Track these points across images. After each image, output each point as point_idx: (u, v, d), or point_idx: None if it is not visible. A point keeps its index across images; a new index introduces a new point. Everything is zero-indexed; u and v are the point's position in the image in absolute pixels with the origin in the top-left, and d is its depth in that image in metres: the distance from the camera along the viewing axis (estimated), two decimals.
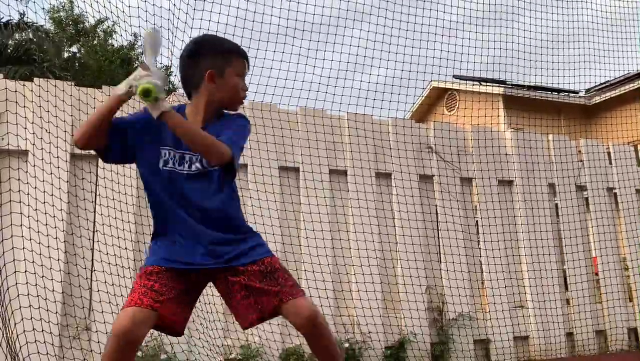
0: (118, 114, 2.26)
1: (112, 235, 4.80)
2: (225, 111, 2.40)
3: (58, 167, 4.74)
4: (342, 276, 5.54)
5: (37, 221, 4.55)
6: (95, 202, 4.89)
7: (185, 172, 2.27)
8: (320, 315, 2.28)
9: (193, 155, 2.26)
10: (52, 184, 4.67)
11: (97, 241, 4.80)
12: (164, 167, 2.27)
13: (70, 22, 19.17)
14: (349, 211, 5.73)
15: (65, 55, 18.40)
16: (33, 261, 4.46)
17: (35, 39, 14.61)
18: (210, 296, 4.65)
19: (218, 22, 5.19)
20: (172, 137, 2.24)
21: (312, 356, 5.14)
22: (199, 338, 4.90)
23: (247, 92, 2.42)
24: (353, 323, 5.44)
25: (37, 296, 4.39)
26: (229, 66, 2.32)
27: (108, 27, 19.06)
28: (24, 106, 4.74)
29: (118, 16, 5.16)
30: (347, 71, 5.80)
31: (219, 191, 2.29)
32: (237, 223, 2.34)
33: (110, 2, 4.83)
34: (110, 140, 2.25)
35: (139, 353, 4.69)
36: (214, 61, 2.30)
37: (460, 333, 5.76)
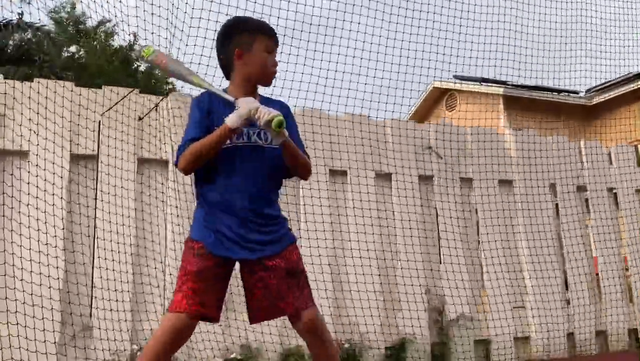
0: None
1: (112, 235, 4.79)
2: (276, 99, 2.54)
3: (58, 168, 4.74)
4: (342, 276, 5.54)
5: (37, 220, 4.55)
6: (95, 202, 4.89)
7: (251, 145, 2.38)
8: (323, 322, 2.40)
9: (250, 129, 2.37)
10: (52, 184, 4.67)
11: (97, 239, 4.79)
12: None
13: (71, 23, 19.16)
14: (349, 212, 5.72)
15: (65, 55, 18.39)
16: (31, 260, 4.45)
17: (34, 39, 14.62)
18: None
19: (217, 22, 5.18)
20: (225, 114, 2.32)
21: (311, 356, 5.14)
22: (199, 338, 4.90)
23: (276, 68, 2.51)
24: (353, 323, 5.43)
25: (38, 295, 4.39)
26: (255, 42, 2.42)
27: (108, 28, 19.06)
28: (24, 106, 4.74)
29: (116, 15, 5.16)
30: (344, 72, 5.79)
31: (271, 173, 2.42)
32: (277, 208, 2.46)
33: (108, 2, 4.83)
34: None
35: (139, 353, 4.69)
36: (240, 39, 2.43)
37: (460, 333, 5.76)
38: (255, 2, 5.36)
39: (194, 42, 5.04)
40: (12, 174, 4.59)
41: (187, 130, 2.38)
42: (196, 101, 2.43)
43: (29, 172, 4.66)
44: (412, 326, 5.57)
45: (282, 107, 2.45)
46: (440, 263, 6.00)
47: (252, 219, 2.33)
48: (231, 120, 2.23)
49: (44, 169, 4.67)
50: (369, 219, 5.73)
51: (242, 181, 2.34)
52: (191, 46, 5.05)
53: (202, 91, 2.45)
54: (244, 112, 2.22)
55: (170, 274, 4.94)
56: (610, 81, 14.78)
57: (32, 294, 4.39)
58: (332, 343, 2.44)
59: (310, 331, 2.34)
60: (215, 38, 2.52)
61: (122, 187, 4.93)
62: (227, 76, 2.49)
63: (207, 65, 5.10)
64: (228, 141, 2.31)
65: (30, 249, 4.46)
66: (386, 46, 5.99)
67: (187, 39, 5.03)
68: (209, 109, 2.37)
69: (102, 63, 17.66)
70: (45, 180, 4.65)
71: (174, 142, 5.19)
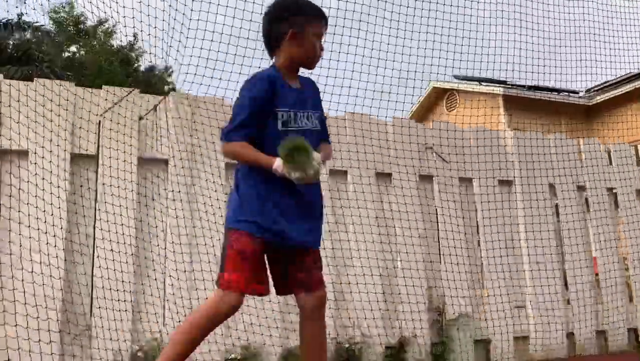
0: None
1: (112, 234, 4.79)
2: (305, 75, 2.68)
3: (58, 168, 4.73)
4: (342, 276, 5.53)
5: (38, 220, 4.55)
6: (96, 202, 4.89)
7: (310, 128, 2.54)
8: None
9: (306, 112, 2.53)
10: (52, 183, 4.67)
11: (98, 239, 4.79)
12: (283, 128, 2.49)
13: (71, 23, 19.17)
14: (349, 212, 5.72)
15: (65, 55, 18.39)
16: (32, 260, 4.46)
17: (34, 39, 14.62)
18: None
19: (215, 23, 5.18)
20: (285, 97, 2.47)
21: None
22: None
23: (323, 52, 2.64)
24: (353, 323, 5.43)
25: (39, 295, 4.39)
26: (309, 26, 2.53)
27: (108, 27, 19.06)
28: (24, 106, 4.74)
29: (113, 17, 5.16)
30: (345, 70, 5.80)
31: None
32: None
33: (104, 2, 4.83)
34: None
35: (139, 353, 4.69)
36: (295, 21, 2.51)
37: (460, 333, 5.76)
38: (254, 2, 5.36)
39: (192, 43, 5.06)
40: (12, 174, 4.59)
41: (241, 107, 2.42)
42: (260, 82, 2.45)
43: (28, 171, 4.66)
44: (414, 328, 5.57)
45: (314, 86, 2.69)
46: (441, 263, 6.00)
47: (305, 206, 2.48)
48: (279, 166, 2.32)
49: (44, 169, 4.67)
50: (369, 219, 5.73)
51: None
52: (189, 48, 5.06)
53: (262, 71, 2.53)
54: (296, 177, 2.33)
55: (170, 275, 4.95)
56: (610, 81, 14.79)
57: (33, 294, 4.39)
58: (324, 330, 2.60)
59: (316, 309, 2.50)
60: (265, 15, 2.59)
61: (122, 187, 4.93)
62: (271, 53, 2.60)
63: (205, 67, 5.12)
64: (281, 126, 2.43)
65: (30, 249, 4.46)
66: (389, 44, 6.00)
67: (186, 41, 5.04)
68: (274, 90, 2.45)
69: (102, 63, 17.67)
70: (46, 180, 4.65)
71: (174, 143, 5.20)
